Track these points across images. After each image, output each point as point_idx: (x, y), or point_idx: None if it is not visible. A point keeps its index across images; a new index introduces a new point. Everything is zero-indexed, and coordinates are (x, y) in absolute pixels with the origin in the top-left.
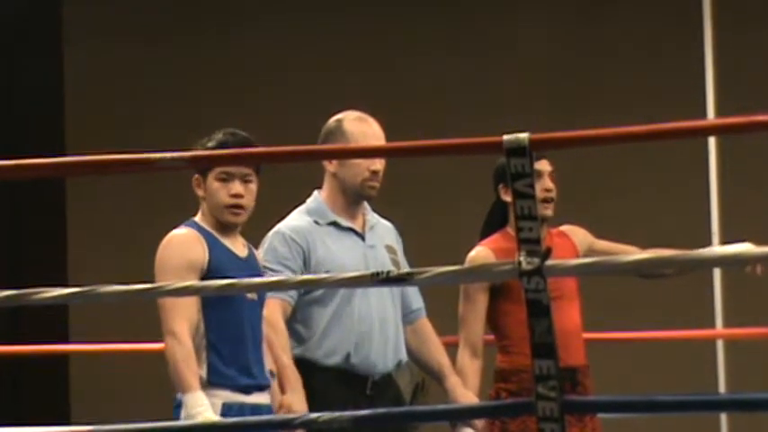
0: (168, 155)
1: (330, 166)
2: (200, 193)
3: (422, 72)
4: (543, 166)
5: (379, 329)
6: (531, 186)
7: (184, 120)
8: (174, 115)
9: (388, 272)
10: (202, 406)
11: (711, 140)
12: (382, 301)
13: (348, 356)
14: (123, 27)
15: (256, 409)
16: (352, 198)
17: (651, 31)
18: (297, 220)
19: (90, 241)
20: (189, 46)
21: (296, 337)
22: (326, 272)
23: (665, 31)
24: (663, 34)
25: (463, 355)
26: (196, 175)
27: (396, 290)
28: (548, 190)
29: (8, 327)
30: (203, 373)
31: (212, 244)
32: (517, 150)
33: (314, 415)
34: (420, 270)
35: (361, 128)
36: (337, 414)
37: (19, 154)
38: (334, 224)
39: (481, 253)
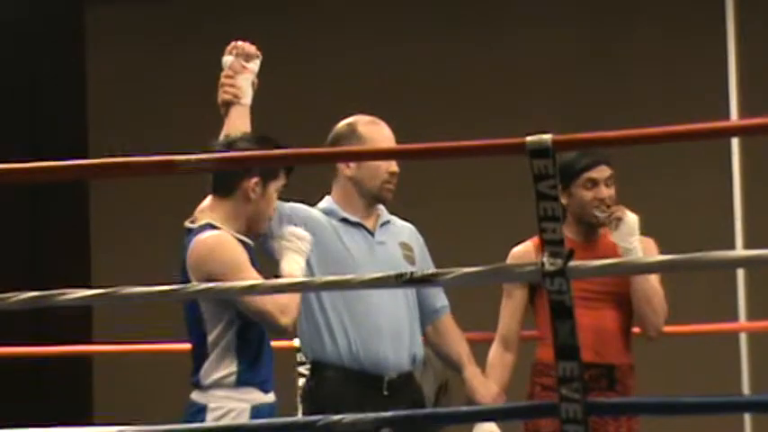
0: (193, 157)
1: (347, 170)
2: (252, 196)
3: (439, 72)
4: (599, 173)
5: (389, 327)
6: (554, 188)
7: (207, 120)
8: (196, 116)
9: (412, 273)
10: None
11: (735, 141)
12: (394, 299)
13: (358, 356)
14: (146, 28)
15: (273, 407)
16: (368, 200)
17: (673, 30)
18: (313, 210)
19: (113, 241)
20: (213, 45)
21: (304, 340)
22: (334, 262)
23: (688, 30)
24: (685, 34)
25: (495, 349)
26: (256, 180)
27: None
28: (601, 199)
29: (31, 328)
30: (234, 369)
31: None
32: (540, 151)
33: (336, 417)
34: (444, 271)
35: (377, 130)
36: (361, 416)
37: (41, 155)
38: (344, 220)
39: (521, 248)
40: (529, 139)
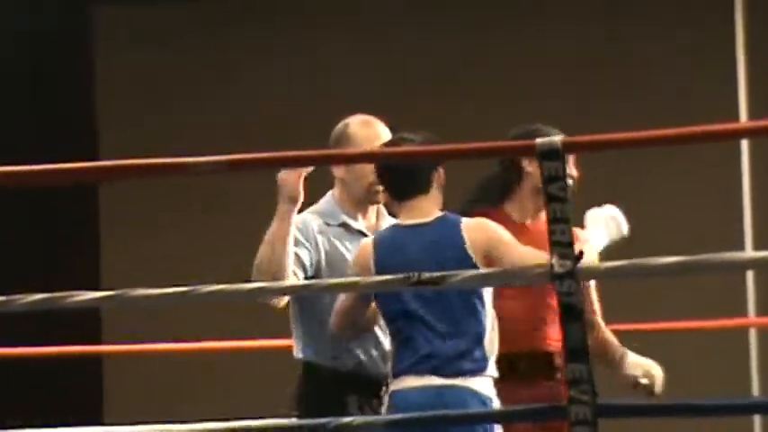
0: (205, 159)
1: (337, 171)
2: (442, 185)
3: (445, 70)
4: None
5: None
6: (564, 189)
7: (215, 120)
8: (205, 115)
9: (419, 275)
10: None
11: (744, 142)
12: None
13: (358, 358)
14: (155, 28)
15: None
16: (361, 203)
17: (683, 32)
18: (306, 217)
19: (123, 241)
20: (221, 45)
21: (304, 341)
22: (334, 271)
23: (697, 32)
24: (694, 34)
25: None
26: (441, 169)
27: None
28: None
29: (41, 328)
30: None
31: None
32: (550, 153)
33: (323, 420)
34: (452, 273)
35: (366, 132)
36: (348, 420)
37: (51, 155)
38: (344, 225)
39: None
40: (539, 141)
